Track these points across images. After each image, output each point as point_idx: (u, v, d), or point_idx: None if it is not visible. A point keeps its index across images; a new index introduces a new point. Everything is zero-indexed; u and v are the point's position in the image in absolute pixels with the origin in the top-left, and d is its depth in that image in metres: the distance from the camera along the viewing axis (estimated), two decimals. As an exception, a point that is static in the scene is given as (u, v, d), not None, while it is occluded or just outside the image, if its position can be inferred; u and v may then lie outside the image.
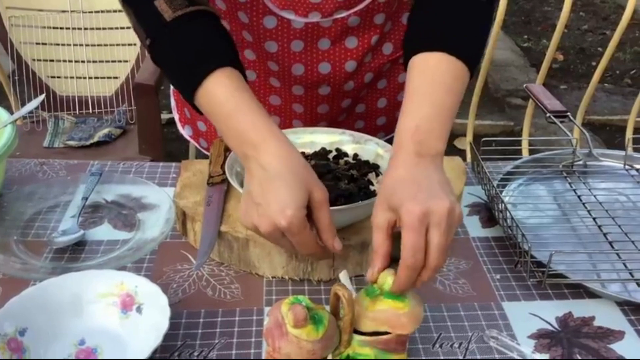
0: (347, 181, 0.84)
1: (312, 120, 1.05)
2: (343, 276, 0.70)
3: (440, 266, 0.64)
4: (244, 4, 0.90)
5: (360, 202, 0.78)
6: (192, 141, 1.17)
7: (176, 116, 1.18)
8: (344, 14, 0.91)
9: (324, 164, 0.88)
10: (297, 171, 0.69)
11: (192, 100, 0.76)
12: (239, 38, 0.97)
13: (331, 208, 0.77)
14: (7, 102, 2.04)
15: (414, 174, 0.67)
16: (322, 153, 0.92)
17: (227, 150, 0.94)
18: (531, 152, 1.07)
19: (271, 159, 0.69)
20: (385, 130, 1.13)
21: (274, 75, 1.00)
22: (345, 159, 0.91)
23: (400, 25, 1.00)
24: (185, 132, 1.17)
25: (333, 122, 1.07)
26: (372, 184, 0.85)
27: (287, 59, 0.96)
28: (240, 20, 0.93)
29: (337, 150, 0.93)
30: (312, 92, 1.01)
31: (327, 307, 0.66)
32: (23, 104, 1.95)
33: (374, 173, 0.88)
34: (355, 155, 0.92)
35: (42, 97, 0.97)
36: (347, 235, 0.80)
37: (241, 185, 0.83)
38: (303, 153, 0.92)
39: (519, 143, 2.06)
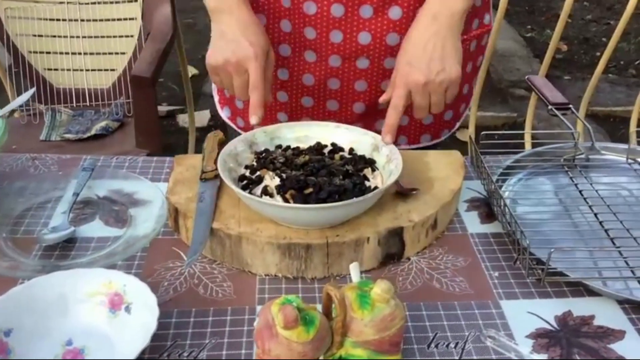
0: (341, 177, 0.82)
1: (348, 99, 1.03)
2: (354, 268, 0.67)
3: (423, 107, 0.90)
4: None
5: (354, 198, 0.76)
6: (229, 122, 1.17)
7: (216, 97, 1.19)
8: None
9: (318, 159, 0.86)
10: (262, 30, 0.93)
11: None
12: (277, 5, 0.97)
13: (324, 205, 0.76)
14: (4, 94, 2.03)
15: (425, 37, 0.88)
16: (317, 148, 0.90)
17: (221, 145, 0.92)
18: (534, 145, 1.05)
19: (246, 15, 0.92)
20: (430, 131, 1.09)
21: (309, 46, 0.98)
22: (341, 153, 0.89)
23: None
24: (224, 114, 1.18)
25: (371, 104, 1.03)
26: (368, 180, 0.83)
27: (325, 23, 0.95)
28: None
29: (333, 144, 0.91)
30: (350, 65, 0.99)
31: (320, 307, 0.64)
32: (20, 97, 1.93)
33: (369, 168, 0.86)
34: (351, 150, 0.90)
35: (32, 90, 0.95)
36: (342, 232, 0.78)
37: (233, 182, 0.81)
38: (297, 148, 0.90)
39: (521, 136, 2.04)
